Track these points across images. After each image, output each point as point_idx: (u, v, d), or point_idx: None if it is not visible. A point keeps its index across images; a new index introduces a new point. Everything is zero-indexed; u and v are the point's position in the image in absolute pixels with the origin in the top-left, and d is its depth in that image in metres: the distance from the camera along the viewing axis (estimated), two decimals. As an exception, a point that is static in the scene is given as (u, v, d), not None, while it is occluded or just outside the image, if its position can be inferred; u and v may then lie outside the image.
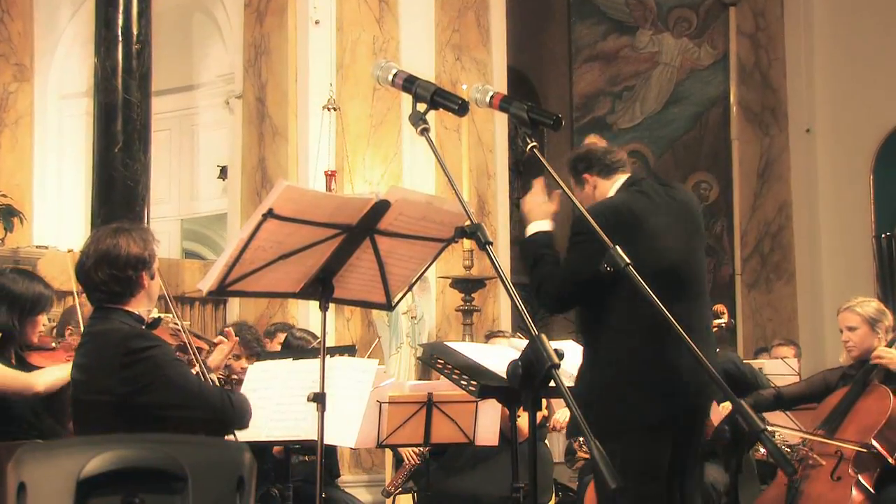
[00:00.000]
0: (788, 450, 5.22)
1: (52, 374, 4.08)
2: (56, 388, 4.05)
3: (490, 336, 6.51)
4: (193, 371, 4.09)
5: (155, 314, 3.80)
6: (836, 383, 5.23)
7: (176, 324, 3.99)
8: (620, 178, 3.85)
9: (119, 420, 3.27)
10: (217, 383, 4.04)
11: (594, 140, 4.07)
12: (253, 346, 5.54)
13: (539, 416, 5.61)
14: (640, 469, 3.53)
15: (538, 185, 3.86)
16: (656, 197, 3.78)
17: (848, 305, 5.24)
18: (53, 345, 4.30)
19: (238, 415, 3.46)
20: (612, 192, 3.83)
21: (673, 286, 3.51)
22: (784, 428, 5.30)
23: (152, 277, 3.50)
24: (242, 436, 3.98)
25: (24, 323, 4.09)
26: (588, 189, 3.88)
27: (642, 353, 3.56)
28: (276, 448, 4.70)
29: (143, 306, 3.50)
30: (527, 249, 3.82)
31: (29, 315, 4.10)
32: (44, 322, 4.27)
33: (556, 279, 3.69)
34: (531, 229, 3.80)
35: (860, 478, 4.78)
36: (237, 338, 4.27)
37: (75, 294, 4.82)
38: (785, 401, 5.28)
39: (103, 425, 3.27)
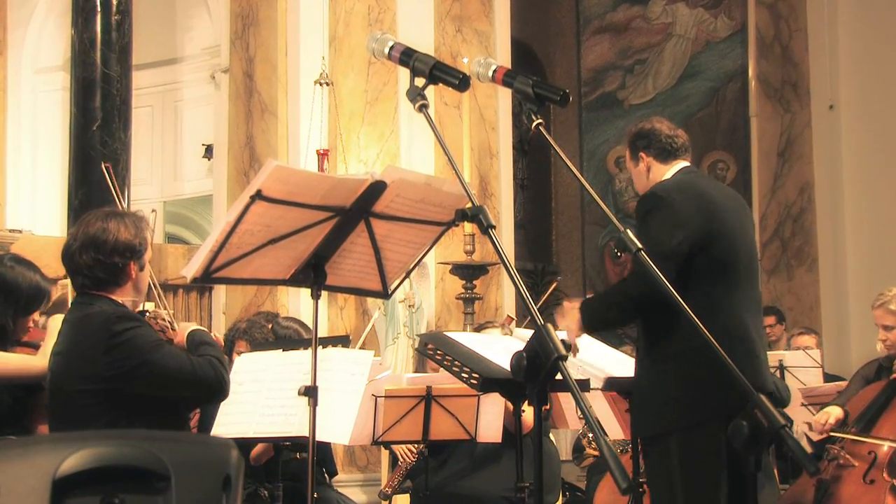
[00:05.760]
0: (810, 449, 5.22)
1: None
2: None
3: (481, 327, 6.44)
4: None
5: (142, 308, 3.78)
6: (872, 376, 5.25)
7: (164, 319, 3.98)
8: (678, 165, 4.06)
9: (106, 409, 3.27)
10: None
11: (660, 122, 4.24)
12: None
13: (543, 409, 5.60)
14: (699, 460, 3.70)
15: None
16: (715, 184, 4.18)
17: (882, 302, 5.25)
18: None
19: (228, 381, 3.57)
20: (667, 177, 4.03)
21: (746, 270, 3.89)
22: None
23: (141, 269, 3.49)
24: (229, 433, 3.99)
25: (17, 320, 3.87)
26: (641, 167, 4.10)
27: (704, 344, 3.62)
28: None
29: (128, 297, 3.49)
30: (602, 302, 4.09)
31: (24, 313, 3.89)
32: (35, 318, 4.15)
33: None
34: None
35: (894, 482, 4.78)
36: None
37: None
38: None
39: (87, 417, 3.27)
